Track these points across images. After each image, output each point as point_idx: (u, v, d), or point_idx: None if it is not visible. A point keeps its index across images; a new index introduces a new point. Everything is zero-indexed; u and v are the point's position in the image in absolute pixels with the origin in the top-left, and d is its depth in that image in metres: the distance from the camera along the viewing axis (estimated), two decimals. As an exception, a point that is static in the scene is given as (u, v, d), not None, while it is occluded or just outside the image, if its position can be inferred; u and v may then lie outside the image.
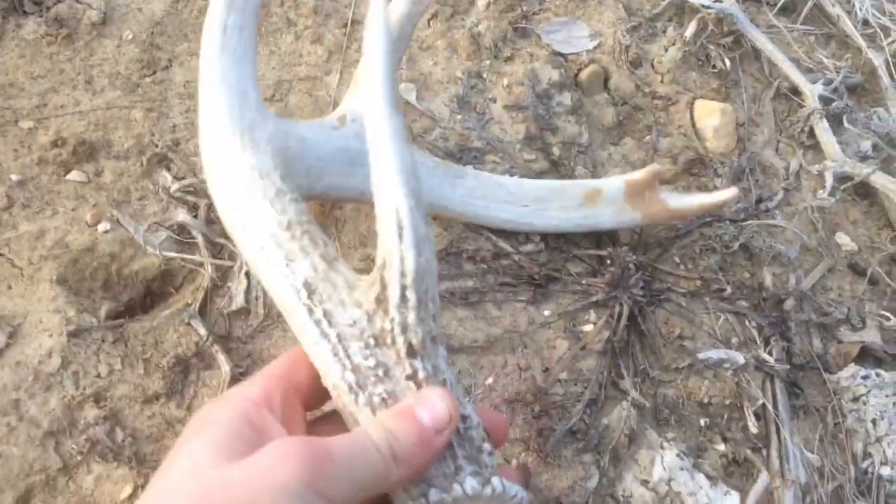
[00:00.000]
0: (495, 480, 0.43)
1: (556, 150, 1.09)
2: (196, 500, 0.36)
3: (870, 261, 1.13)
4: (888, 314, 1.07)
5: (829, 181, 1.16)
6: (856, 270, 1.13)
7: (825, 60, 1.29)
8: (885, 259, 1.14)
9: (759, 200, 1.14)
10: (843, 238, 1.16)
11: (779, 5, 1.34)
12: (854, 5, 1.36)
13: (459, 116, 1.08)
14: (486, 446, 0.46)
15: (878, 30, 1.33)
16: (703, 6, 1.23)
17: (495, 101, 1.11)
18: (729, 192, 0.92)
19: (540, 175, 1.05)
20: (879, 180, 1.15)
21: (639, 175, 0.87)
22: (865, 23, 1.36)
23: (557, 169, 1.07)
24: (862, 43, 1.31)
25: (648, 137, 1.15)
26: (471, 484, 0.42)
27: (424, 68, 1.11)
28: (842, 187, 1.17)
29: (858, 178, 1.16)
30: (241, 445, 0.39)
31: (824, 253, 1.13)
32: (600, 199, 0.81)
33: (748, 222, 1.11)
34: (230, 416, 0.41)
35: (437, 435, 0.41)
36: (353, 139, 0.67)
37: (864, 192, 1.20)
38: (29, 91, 0.94)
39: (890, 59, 1.30)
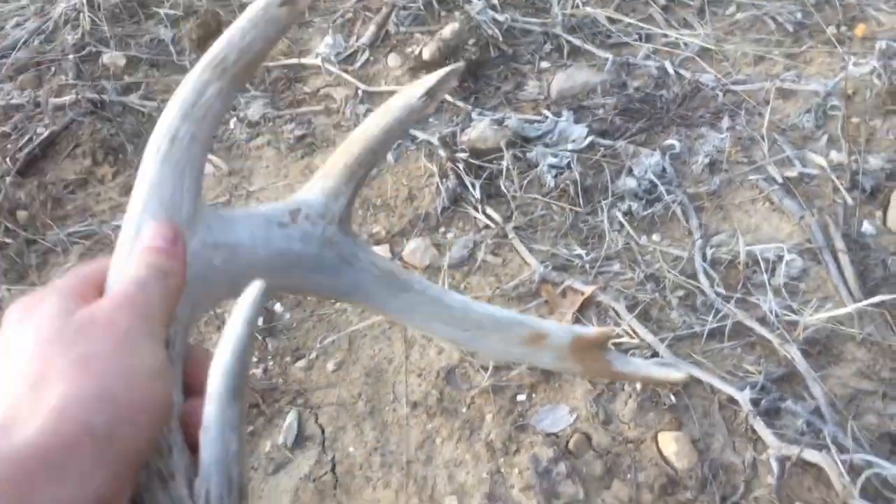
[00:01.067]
0: None
1: (562, 511, 1.54)
2: (62, 363, 0.39)
3: (825, 521, 1.46)
4: (846, 565, 1.37)
5: (775, 465, 1.53)
6: (816, 533, 1.45)
7: (750, 367, 1.72)
8: (837, 516, 1.46)
9: (724, 499, 1.52)
10: (801, 507, 1.50)
11: (706, 333, 1.80)
12: (763, 309, 1.81)
13: (490, 508, 1.57)
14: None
15: (783, 329, 1.76)
16: (640, 365, 1.72)
17: (514, 487, 1.60)
18: (678, 375, 0.79)
19: (553, 535, 1.50)
20: (810, 456, 1.51)
21: (590, 333, 0.75)
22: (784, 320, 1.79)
23: (565, 526, 1.51)
24: (775, 341, 1.74)
25: (629, 476, 1.59)
26: None
27: (460, 479, 1.63)
28: (787, 465, 1.53)
29: (794, 457, 1.52)
30: (75, 300, 0.44)
31: (788, 526, 1.47)
32: (543, 343, 0.72)
33: (719, 521, 1.48)
34: (56, 296, 0.45)
35: (174, 250, 0.49)
36: (297, 241, 0.59)
37: (810, 462, 1.55)
38: None
39: (799, 349, 1.71)
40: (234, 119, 2.71)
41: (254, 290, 0.48)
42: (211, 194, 2.45)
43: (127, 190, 2.50)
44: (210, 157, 2.58)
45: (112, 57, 3.00)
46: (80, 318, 0.42)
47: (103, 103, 2.80)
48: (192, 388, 0.49)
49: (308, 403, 1.82)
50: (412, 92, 0.64)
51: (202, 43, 3.08)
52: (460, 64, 0.69)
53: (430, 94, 0.64)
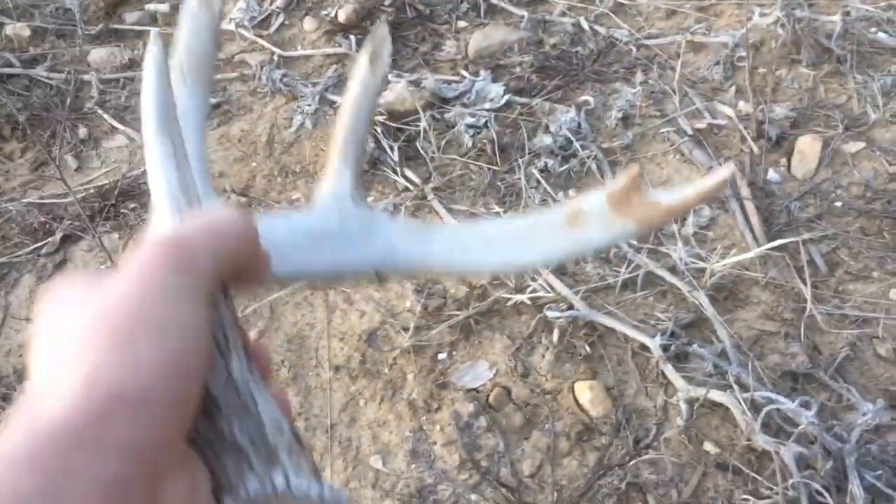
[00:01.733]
0: (279, 479, 0.41)
1: (483, 463, 1.58)
2: (85, 332, 0.36)
3: (730, 457, 1.53)
4: (749, 497, 1.45)
5: (684, 407, 1.60)
6: (723, 468, 1.53)
7: (661, 315, 1.78)
8: (742, 451, 1.54)
9: (637, 441, 1.58)
10: (709, 446, 1.57)
11: (619, 285, 1.85)
12: (673, 258, 1.87)
13: (413, 465, 1.60)
14: (284, 443, 0.43)
15: (692, 276, 1.82)
16: (555, 318, 1.76)
17: (436, 444, 1.63)
18: (725, 170, 0.66)
19: (475, 488, 1.54)
20: (716, 396, 1.58)
21: (619, 183, 0.69)
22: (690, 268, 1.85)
23: (486, 478, 1.55)
24: (684, 288, 1.80)
25: (547, 426, 1.64)
26: (253, 486, 0.41)
27: (383, 439, 1.66)
28: (695, 407, 1.60)
29: (701, 398, 1.59)
30: (102, 278, 0.40)
31: (696, 463, 1.54)
32: (583, 218, 0.67)
33: (632, 462, 1.54)
34: (81, 275, 0.41)
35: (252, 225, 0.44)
36: (316, 219, 0.62)
37: (717, 403, 1.62)
38: None
39: (706, 296, 1.77)
40: (147, 89, 2.63)
41: (153, 38, 0.48)
42: (125, 167, 2.39)
43: (38, 166, 2.42)
44: (123, 128, 2.52)
45: (15, 28, 2.88)
46: (109, 277, 0.39)
47: (8, 77, 2.69)
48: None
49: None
50: (358, 66, 0.65)
51: (111, 11, 2.97)
52: (384, 24, 0.69)
53: (373, 58, 0.65)
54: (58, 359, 0.37)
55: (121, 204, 2.22)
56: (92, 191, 2.28)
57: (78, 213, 2.20)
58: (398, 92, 2.32)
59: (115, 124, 2.53)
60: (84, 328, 0.36)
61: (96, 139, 2.52)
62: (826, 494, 1.41)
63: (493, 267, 0.72)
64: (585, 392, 1.66)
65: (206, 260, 0.39)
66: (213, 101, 2.53)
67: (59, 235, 2.17)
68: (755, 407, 1.54)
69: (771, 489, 1.46)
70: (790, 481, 1.43)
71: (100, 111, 2.58)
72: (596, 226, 0.64)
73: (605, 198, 0.64)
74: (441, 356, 1.78)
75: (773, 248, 1.86)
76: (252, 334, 1.88)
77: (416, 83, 2.38)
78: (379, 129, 2.26)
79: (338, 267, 0.60)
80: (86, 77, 2.69)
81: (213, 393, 0.40)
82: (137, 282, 0.37)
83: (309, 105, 2.42)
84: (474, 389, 1.72)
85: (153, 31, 0.50)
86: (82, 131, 2.53)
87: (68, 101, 2.63)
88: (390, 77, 2.47)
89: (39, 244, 2.17)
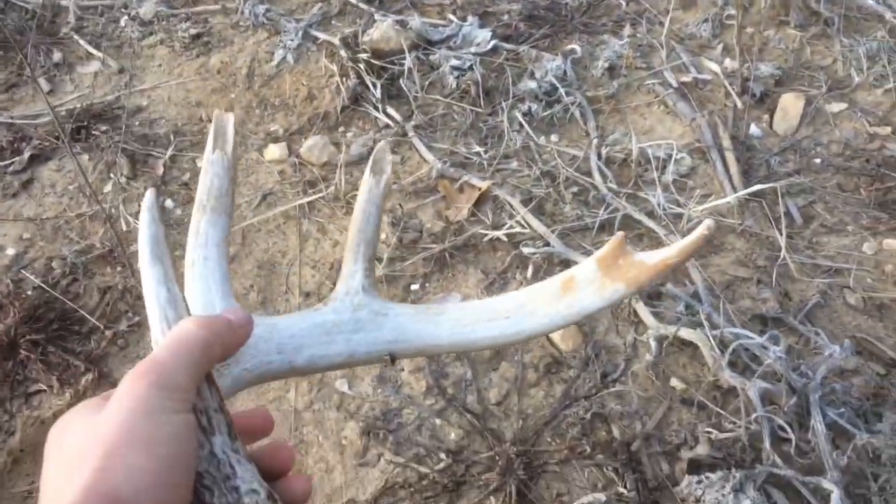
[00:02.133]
0: None
1: (450, 390, 1.57)
2: (84, 452, 0.43)
3: (696, 394, 1.53)
4: (712, 430, 1.45)
5: (653, 344, 1.59)
6: (687, 403, 1.53)
7: (635, 256, 1.77)
8: (708, 388, 1.54)
9: (605, 375, 1.58)
10: (675, 382, 1.57)
11: (596, 227, 1.84)
12: (652, 203, 1.86)
13: (380, 390, 1.58)
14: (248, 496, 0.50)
15: (670, 221, 1.81)
16: (531, 253, 1.75)
17: (404, 370, 1.62)
18: (703, 229, 0.69)
19: (440, 413, 1.53)
20: (686, 333, 1.58)
21: (605, 248, 0.73)
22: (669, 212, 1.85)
23: (451, 403, 1.54)
24: (661, 232, 1.79)
25: (516, 358, 1.63)
26: None
27: (351, 364, 1.64)
28: (664, 344, 1.60)
29: (671, 336, 1.58)
30: (101, 405, 0.47)
31: (662, 397, 1.54)
32: (576, 283, 0.71)
33: (599, 395, 1.54)
34: (82, 405, 0.49)
35: (241, 328, 0.55)
36: (329, 313, 0.67)
37: (687, 341, 1.62)
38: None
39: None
40: (126, 17, 2.57)
41: (149, 195, 0.62)
42: (99, 92, 2.33)
43: (8, 87, 2.36)
44: (98, 53, 2.46)
45: (-9, -51, 2.79)
46: (105, 404, 0.46)
47: (-18, -3, 2.62)
48: (272, 474, 0.55)
49: (198, 295, 1.79)
50: (364, 179, 0.74)
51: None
52: (385, 144, 0.76)
53: (375, 169, 0.74)
54: (62, 473, 0.44)
55: (92, 126, 2.17)
56: (63, 113, 2.22)
57: (47, 133, 2.15)
58: (383, 31, 2.29)
59: (91, 50, 2.47)
60: (84, 447, 0.43)
61: (70, 64, 2.45)
62: (788, 429, 1.41)
63: (497, 340, 0.74)
64: (556, 326, 1.65)
65: (180, 375, 0.47)
66: (193, 31, 2.48)
67: (27, 154, 2.11)
68: (723, 344, 1.54)
69: (734, 423, 1.46)
70: (753, 415, 1.43)
71: (76, 36, 2.52)
72: (589, 290, 0.69)
73: (596, 263, 0.69)
74: (414, 287, 1.76)
75: (750, 198, 1.85)
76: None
77: (402, 23, 2.34)
78: (362, 67, 2.23)
79: (351, 352, 0.65)
80: (63, 2, 2.62)
81: (199, 469, 0.48)
82: (126, 405, 0.44)
83: (292, 40, 2.38)
84: (445, 320, 1.70)
85: (150, 190, 0.63)
86: (57, 56, 2.46)
87: (44, 25, 2.56)
88: (376, 16, 2.43)
89: (6, 162, 2.11)
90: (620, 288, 0.69)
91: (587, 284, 0.69)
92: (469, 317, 0.70)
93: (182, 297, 0.58)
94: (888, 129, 2.06)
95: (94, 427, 0.44)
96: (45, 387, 1.62)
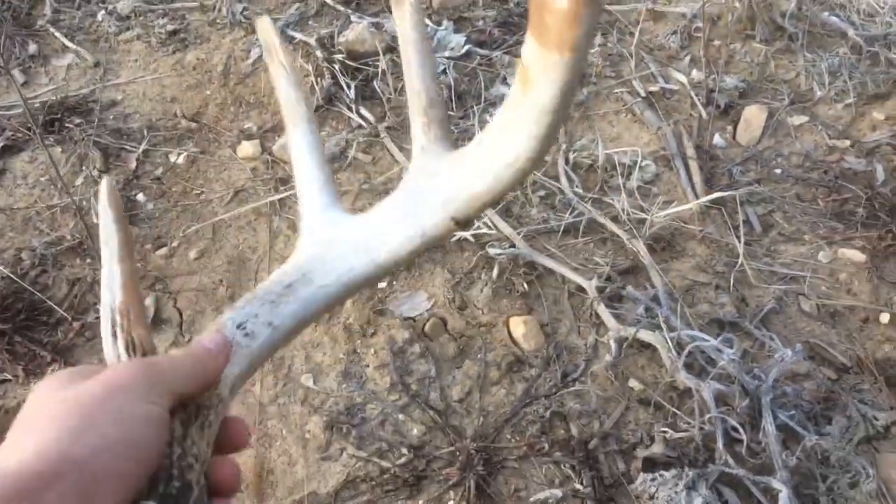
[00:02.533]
0: None
1: (413, 386, 1.60)
2: (55, 410, 0.43)
3: (653, 394, 1.57)
4: (668, 429, 1.49)
5: (613, 346, 1.63)
6: (645, 403, 1.57)
7: (600, 260, 1.81)
8: (665, 389, 1.58)
9: (565, 375, 1.61)
10: (634, 382, 1.61)
11: (561, 230, 1.88)
12: (616, 208, 1.91)
13: (344, 385, 1.61)
14: None
15: (633, 226, 1.86)
16: (497, 254, 1.78)
17: (368, 366, 1.64)
18: None
19: (403, 409, 1.56)
20: (645, 335, 1.62)
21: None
22: (634, 218, 1.89)
23: (415, 400, 1.57)
24: (624, 237, 1.83)
25: (479, 356, 1.66)
26: None
27: (317, 359, 1.66)
28: (624, 346, 1.64)
29: (630, 337, 1.63)
30: (85, 376, 0.47)
31: (620, 397, 1.58)
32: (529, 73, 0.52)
33: (559, 394, 1.57)
34: (68, 371, 0.48)
35: (220, 353, 0.54)
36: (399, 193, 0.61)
37: (646, 343, 1.66)
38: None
39: (645, 245, 1.81)
40: (103, 12, 2.58)
41: (104, 186, 0.57)
42: (74, 85, 2.34)
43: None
44: (74, 46, 2.46)
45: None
46: (90, 376, 0.46)
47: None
48: (223, 448, 0.54)
49: (167, 289, 1.80)
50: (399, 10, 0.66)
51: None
52: None
53: None
54: (29, 428, 0.43)
55: (66, 119, 2.18)
56: (37, 105, 2.22)
57: (20, 124, 2.15)
58: (359, 32, 2.31)
59: (67, 43, 2.47)
60: (58, 408, 0.43)
61: (46, 56, 2.45)
62: (741, 430, 1.46)
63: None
64: (520, 326, 1.68)
65: (173, 382, 0.48)
66: (171, 27, 2.49)
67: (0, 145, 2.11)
68: (680, 347, 1.58)
69: (689, 423, 1.50)
70: (707, 416, 1.48)
71: (52, 29, 2.52)
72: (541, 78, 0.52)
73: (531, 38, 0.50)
74: (381, 284, 1.79)
75: (711, 206, 1.91)
76: (191, 253, 1.87)
77: (377, 26, 2.37)
78: (337, 67, 2.25)
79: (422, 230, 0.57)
80: (40, -6, 2.62)
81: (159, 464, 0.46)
82: (112, 382, 0.45)
83: (268, 39, 2.40)
84: (411, 318, 1.73)
85: (105, 178, 0.59)
86: (32, 48, 2.46)
87: (21, 16, 2.56)
88: (352, 17, 2.46)
89: (-22, 153, 2.11)
90: (556, 58, 0.49)
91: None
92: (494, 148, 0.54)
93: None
94: (847, 143, 2.13)
95: (75, 392, 0.44)
96: (10, 376, 1.63)
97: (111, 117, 2.22)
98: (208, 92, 2.30)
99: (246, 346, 0.54)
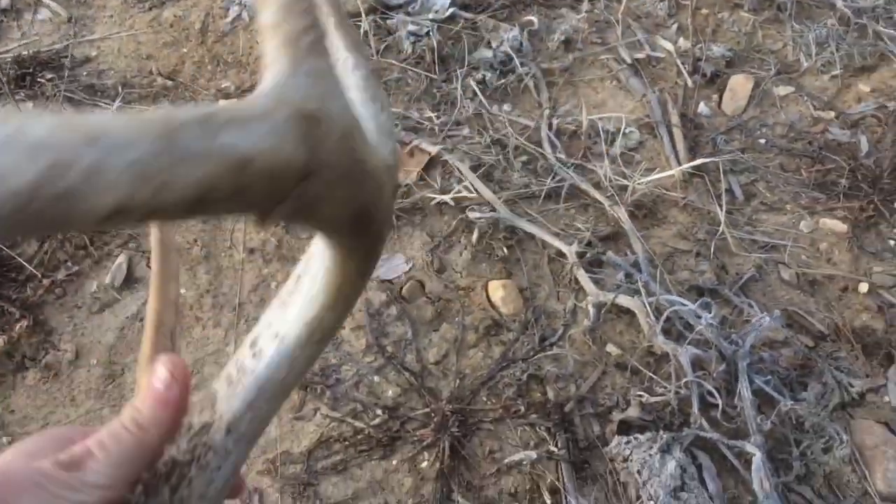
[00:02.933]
0: None
1: (389, 348, 1.58)
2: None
3: (630, 359, 1.56)
4: (644, 393, 1.49)
5: (592, 311, 1.62)
6: (622, 368, 1.56)
7: (580, 226, 1.80)
8: (642, 354, 1.57)
9: (543, 339, 1.60)
10: (611, 348, 1.60)
11: (543, 195, 1.86)
12: (598, 174, 1.89)
13: (319, 346, 1.59)
14: None
15: (615, 192, 1.84)
16: (477, 218, 1.76)
17: (345, 327, 1.62)
18: None
19: (379, 371, 1.54)
20: (623, 300, 1.61)
21: None
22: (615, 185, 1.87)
23: (391, 362, 1.55)
24: (605, 203, 1.81)
25: (457, 319, 1.64)
26: None
27: (292, 320, 1.64)
28: (602, 311, 1.62)
29: (609, 302, 1.61)
30: (49, 450, 0.42)
31: (597, 362, 1.57)
32: None
33: (536, 357, 1.56)
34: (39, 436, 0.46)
35: (169, 391, 0.44)
36: None
37: (625, 309, 1.65)
38: (35, 417, 1.47)
39: (626, 212, 1.79)
40: (78, -34, 2.50)
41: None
42: (47, 40, 2.28)
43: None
44: (48, 1, 2.39)
45: None
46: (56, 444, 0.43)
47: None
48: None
49: (140, 248, 1.76)
50: None
51: None
52: None
53: None
54: None
55: (38, 74, 2.12)
56: (9, 59, 2.16)
57: (-9, 78, 2.09)
58: (342, -8, 2.26)
59: (41, -3, 2.40)
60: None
61: (19, 10, 2.38)
62: (716, 395, 1.45)
63: None
64: (498, 290, 1.67)
65: (100, 473, 0.42)
66: (148, -16, 2.43)
67: (-32, 99, 2.05)
68: (659, 312, 1.57)
69: (665, 388, 1.49)
70: (683, 380, 1.47)
71: (25, -18, 2.45)
72: None
73: None
74: (358, 247, 1.76)
75: (694, 174, 1.89)
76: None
77: (360, -14, 2.32)
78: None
79: None
80: (13, -53, 2.54)
81: None
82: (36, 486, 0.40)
83: (248, -3, 2.34)
84: (389, 281, 1.71)
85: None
86: (4, 1, 2.39)
87: (-8, -31, 2.48)
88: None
89: (-53, 107, 2.05)
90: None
91: None
92: None
93: None
94: (832, 114, 2.11)
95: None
96: (-24, 333, 1.59)
97: (84, 73, 2.17)
98: (185, 50, 2.25)
99: (251, 370, 0.45)
